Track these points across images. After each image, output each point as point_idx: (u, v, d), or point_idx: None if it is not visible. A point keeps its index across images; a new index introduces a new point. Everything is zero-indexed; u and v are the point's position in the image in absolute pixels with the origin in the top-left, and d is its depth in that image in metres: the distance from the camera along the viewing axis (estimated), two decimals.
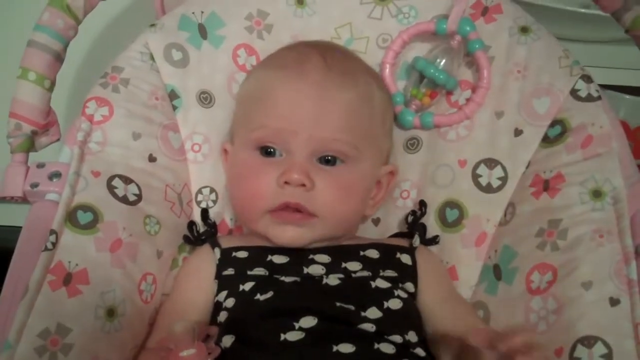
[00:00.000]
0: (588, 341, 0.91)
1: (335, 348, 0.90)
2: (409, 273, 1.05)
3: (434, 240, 1.14)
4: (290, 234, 1.04)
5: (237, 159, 1.10)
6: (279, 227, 1.04)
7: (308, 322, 0.93)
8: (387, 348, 0.92)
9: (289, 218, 1.03)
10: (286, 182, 1.01)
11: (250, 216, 1.07)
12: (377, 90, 1.13)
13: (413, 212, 1.15)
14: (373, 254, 1.05)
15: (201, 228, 1.13)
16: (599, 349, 0.90)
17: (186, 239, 1.11)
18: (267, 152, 1.05)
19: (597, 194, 1.02)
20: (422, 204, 1.15)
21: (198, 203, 1.15)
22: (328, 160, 1.04)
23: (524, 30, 1.16)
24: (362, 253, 1.05)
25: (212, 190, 1.16)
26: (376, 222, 1.19)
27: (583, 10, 1.41)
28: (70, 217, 0.97)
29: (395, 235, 1.16)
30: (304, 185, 1.01)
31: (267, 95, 1.07)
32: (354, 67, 1.12)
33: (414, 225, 1.13)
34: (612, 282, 0.95)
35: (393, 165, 1.15)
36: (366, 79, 1.11)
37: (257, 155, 1.05)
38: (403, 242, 1.10)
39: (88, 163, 1.03)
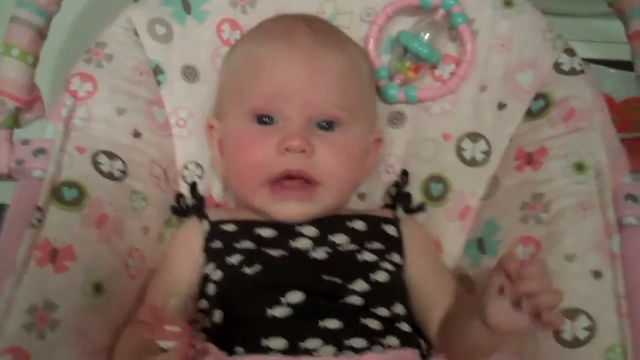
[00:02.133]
0: (571, 313, 0.92)
1: (321, 324, 0.91)
2: (395, 244, 1.05)
3: (421, 208, 1.14)
4: (290, 209, 1.03)
5: (231, 130, 1.09)
6: (280, 203, 1.03)
7: (295, 297, 0.94)
8: (373, 323, 0.93)
9: (290, 194, 1.03)
10: (287, 149, 1.01)
11: (249, 188, 1.06)
12: (362, 58, 1.14)
13: (396, 184, 1.16)
14: (359, 225, 1.05)
15: (189, 202, 1.13)
16: (582, 321, 0.91)
17: (173, 209, 1.11)
18: (263, 121, 1.05)
19: (579, 167, 1.03)
20: (404, 174, 1.16)
21: (184, 178, 1.15)
22: (325, 127, 1.05)
23: (508, 3, 1.16)
24: (349, 225, 1.05)
25: (198, 165, 1.16)
26: (362, 196, 1.19)
27: None
28: (56, 194, 0.97)
29: (383, 207, 1.16)
30: (304, 151, 1.01)
31: (258, 66, 1.07)
32: (340, 36, 1.14)
33: (397, 196, 1.14)
34: (595, 255, 0.96)
35: (379, 132, 1.15)
36: (352, 47, 1.13)
37: (253, 124, 1.05)
38: (389, 214, 1.10)
39: (73, 139, 1.03)
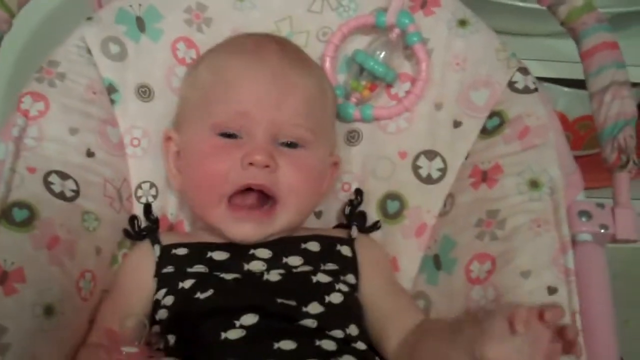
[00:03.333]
0: None
1: (276, 345, 0.90)
2: (350, 265, 1.05)
3: (375, 226, 1.14)
4: (247, 231, 1.03)
5: (192, 142, 1.08)
6: (236, 222, 1.03)
7: (249, 319, 0.93)
8: (328, 344, 0.93)
9: (248, 215, 1.03)
10: (250, 164, 1.00)
11: (207, 202, 1.05)
12: (328, 83, 1.14)
13: (350, 202, 1.16)
14: (314, 246, 1.05)
15: (143, 223, 1.12)
16: None
17: (126, 233, 1.10)
18: (227, 135, 1.04)
19: (534, 184, 1.03)
20: (358, 193, 1.16)
21: (138, 198, 1.14)
22: (289, 145, 1.05)
23: (463, 23, 1.17)
24: (303, 246, 1.05)
25: (152, 185, 1.15)
26: (318, 215, 1.19)
27: (521, 4, 1.43)
28: (6, 215, 0.95)
29: (338, 227, 1.16)
30: (267, 166, 1.01)
31: (225, 81, 1.06)
32: (308, 58, 1.14)
33: (351, 215, 1.14)
34: (550, 271, 0.96)
35: (337, 155, 1.15)
36: (320, 71, 1.14)
37: (216, 137, 1.04)
38: (343, 234, 1.10)
39: (24, 159, 1.01)
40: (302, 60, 1.11)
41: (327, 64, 1.19)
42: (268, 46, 1.08)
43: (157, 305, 1.00)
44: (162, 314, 0.99)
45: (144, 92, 1.16)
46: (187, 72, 1.16)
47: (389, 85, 1.20)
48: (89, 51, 1.12)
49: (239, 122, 1.03)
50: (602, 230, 1.00)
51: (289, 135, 1.04)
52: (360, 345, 0.96)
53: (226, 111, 1.04)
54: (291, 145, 1.05)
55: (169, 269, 1.02)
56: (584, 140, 1.60)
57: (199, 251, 1.03)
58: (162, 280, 1.02)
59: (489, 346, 0.77)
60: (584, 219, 1.01)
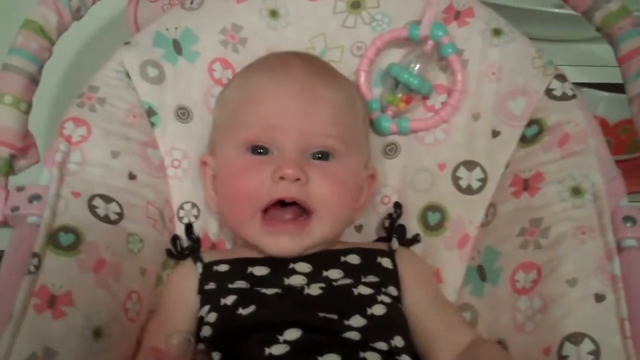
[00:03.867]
0: (575, 338, 0.91)
1: (320, 359, 0.90)
2: (391, 277, 1.05)
3: (415, 239, 1.14)
4: (283, 244, 1.03)
5: (224, 162, 1.09)
6: (271, 236, 1.03)
7: (292, 334, 0.93)
8: (372, 356, 0.92)
9: (283, 229, 1.03)
10: (281, 178, 1.01)
11: (242, 219, 1.06)
12: (357, 95, 1.15)
13: (389, 216, 1.16)
14: (354, 259, 1.05)
15: (185, 243, 1.13)
16: (587, 345, 0.90)
17: (169, 253, 1.11)
18: (258, 152, 1.05)
19: (576, 191, 1.02)
20: (397, 206, 1.16)
21: (180, 219, 1.15)
22: (320, 157, 1.05)
23: (497, 32, 1.17)
24: (342, 259, 1.05)
25: (194, 205, 1.16)
26: (359, 228, 1.20)
27: (555, 10, 1.42)
28: (52, 239, 0.96)
29: (378, 240, 1.16)
30: (298, 179, 1.01)
31: (253, 97, 1.08)
32: (335, 71, 1.15)
33: (392, 228, 1.14)
34: (597, 278, 0.95)
35: (373, 168, 1.16)
36: (347, 83, 1.14)
37: (247, 155, 1.05)
38: (383, 246, 1.10)
39: (68, 184, 1.02)
40: (329, 74, 1.12)
41: (362, 79, 1.19)
42: (294, 62, 1.09)
43: (201, 322, 1.01)
44: (206, 330, 0.99)
45: (183, 114, 1.17)
46: (218, 95, 1.18)
47: (425, 98, 1.20)
48: (127, 75, 1.14)
49: (268, 135, 1.04)
50: None
51: (319, 145, 1.05)
52: (405, 358, 0.96)
53: (254, 125, 1.05)
54: (322, 157, 1.05)
55: (211, 285, 1.03)
56: (626, 145, 1.58)
57: (239, 267, 1.04)
58: (205, 297, 1.02)
59: None
60: (628, 225, 0.99)
